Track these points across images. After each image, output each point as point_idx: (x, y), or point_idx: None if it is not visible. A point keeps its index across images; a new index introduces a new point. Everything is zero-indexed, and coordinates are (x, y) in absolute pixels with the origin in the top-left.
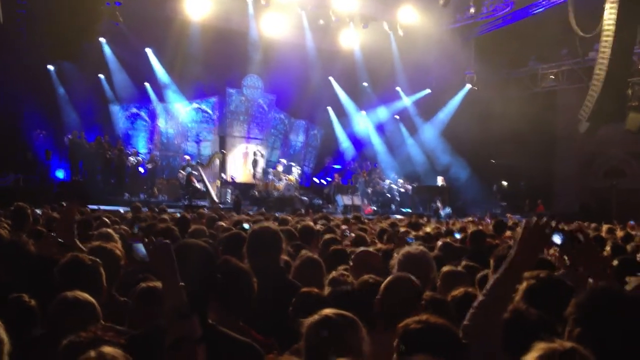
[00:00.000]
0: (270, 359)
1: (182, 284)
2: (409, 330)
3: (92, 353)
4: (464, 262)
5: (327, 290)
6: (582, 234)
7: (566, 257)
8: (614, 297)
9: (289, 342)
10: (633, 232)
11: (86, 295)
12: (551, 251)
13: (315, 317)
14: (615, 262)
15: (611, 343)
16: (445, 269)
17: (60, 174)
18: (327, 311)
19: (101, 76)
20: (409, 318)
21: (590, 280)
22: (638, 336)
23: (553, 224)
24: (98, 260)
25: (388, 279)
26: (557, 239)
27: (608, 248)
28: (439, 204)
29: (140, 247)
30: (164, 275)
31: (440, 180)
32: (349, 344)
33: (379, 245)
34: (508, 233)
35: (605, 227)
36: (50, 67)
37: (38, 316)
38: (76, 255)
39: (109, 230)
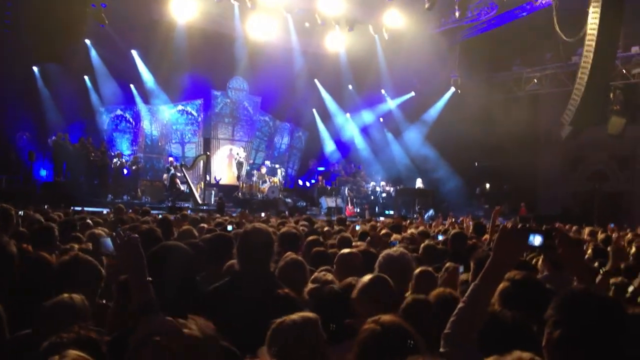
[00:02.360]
0: None
1: (150, 279)
2: (367, 332)
3: (55, 358)
4: (448, 264)
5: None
6: (560, 233)
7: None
8: (593, 299)
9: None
10: (613, 235)
11: (78, 298)
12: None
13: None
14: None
15: (592, 345)
16: (416, 270)
17: (43, 174)
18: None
19: (86, 78)
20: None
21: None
22: (617, 338)
23: (529, 226)
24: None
25: (364, 280)
26: (536, 241)
27: (589, 251)
28: (418, 207)
29: (108, 242)
30: (131, 270)
31: (419, 183)
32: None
33: (362, 246)
34: (487, 236)
35: (586, 229)
36: (35, 69)
37: (4, 320)
38: (76, 255)
39: (100, 231)
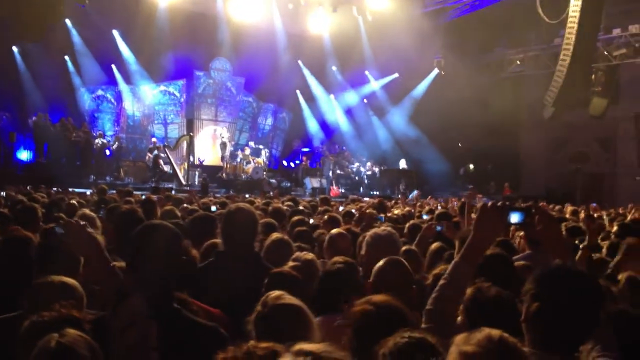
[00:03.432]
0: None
1: (114, 264)
2: (361, 312)
3: (54, 336)
4: (435, 244)
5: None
6: (540, 210)
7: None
8: (570, 273)
9: None
10: (595, 214)
11: (67, 279)
12: (521, 233)
13: (257, 309)
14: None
15: (568, 317)
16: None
17: (24, 155)
18: (269, 296)
19: (67, 58)
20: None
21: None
22: (595, 310)
23: (508, 203)
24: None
25: (381, 262)
26: (515, 218)
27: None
28: (402, 187)
29: (58, 229)
30: (90, 257)
31: (402, 163)
32: (287, 332)
33: (348, 226)
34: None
35: (569, 209)
36: (15, 49)
37: None
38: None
39: (90, 212)
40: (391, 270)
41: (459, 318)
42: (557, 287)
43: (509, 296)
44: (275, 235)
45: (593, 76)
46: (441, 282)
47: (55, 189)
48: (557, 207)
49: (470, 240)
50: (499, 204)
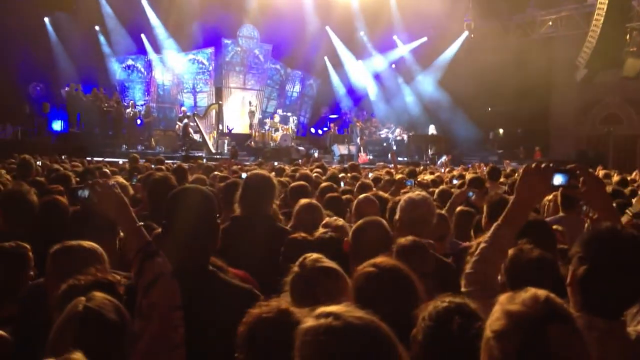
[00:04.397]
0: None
1: (141, 224)
2: (363, 275)
3: (81, 299)
4: (459, 208)
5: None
6: (584, 171)
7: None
8: (620, 235)
9: (277, 285)
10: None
11: (88, 242)
12: (550, 197)
13: (294, 270)
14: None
15: (616, 281)
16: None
17: (57, 126)
18: (307, 259)
19: (97, 28)
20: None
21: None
22: None
23: (552, 164)
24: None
25: (358, 222)
26: (558, 180)
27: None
28: (431, 153)
29: (85, 192)
30: (117, 218)
31: (432, 129)
32: (323, 292)
33: (378, 192)
34: (502, 179)
35: (601, 172)
36: (46, 20)
37: (31, 262)
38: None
39: (123, 180)
40: (369, 231)
41: (499, 278)
42: (605, 249)
43: (550, 258)
44: (303, 201)
45: (628, 36)
46: (482, 244)
47: (88, 158)
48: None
49: (512, 202)
50: (543, 165)
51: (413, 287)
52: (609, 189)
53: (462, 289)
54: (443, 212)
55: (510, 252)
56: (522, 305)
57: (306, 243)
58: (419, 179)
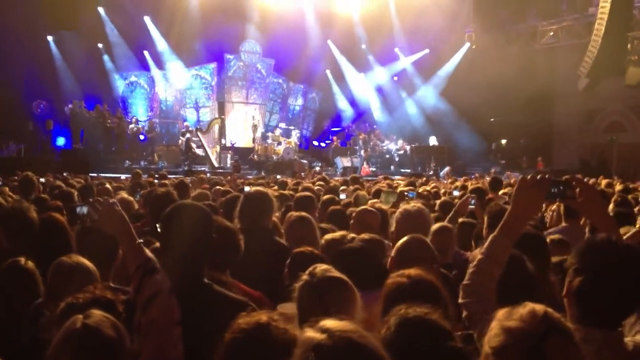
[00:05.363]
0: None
1: (141, 240)
2: (396, 284)
3: (79, 317)
4: (460, 220)
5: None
6: (581, 182)
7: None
8: (614, 246)
9: (276, 298)
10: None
11: (83, 260)
12: (553, 207)
13: (303, 278)
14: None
15: (612, 292)
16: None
17: (60, 142)
18: (317, 268)
19: (100, 45)
20: None
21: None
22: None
23: (548, 175)
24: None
25: (403, 239)
26: (555, 191)
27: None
28: (433, 164)
29: (82, 208)
30: (117, 235)
31: (432, 140)
32: (332, 301)
33: (377, 204)
34: (506, 190)
35: (603, 182)
36: (50, 38)
37: (38, 279)
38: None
39: (127, 196)
40: (415, 247)
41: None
42: (601, 260)
43: (519, 254)
44: (293, 215)
45: (629, 45)
46: (479, 256)
47: (92, 174)
48: (592, 181)
49: (508, 213)
50: (539, 176)
51: (442, 300)
52: (613, 198)
53: (460, 300)
54: (445, 223)
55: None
56: (520, 321)
57: (313, 257)
58: (419, 190)
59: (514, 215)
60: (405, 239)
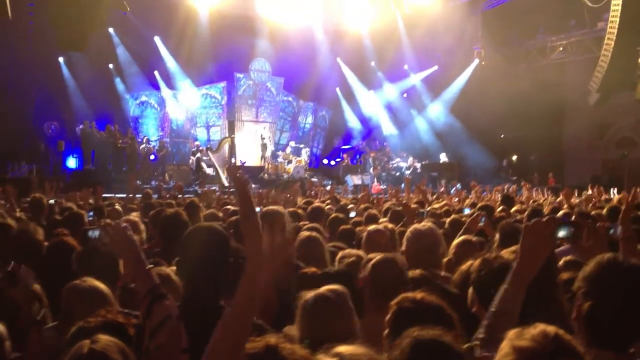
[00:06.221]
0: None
1: (151, 265)
2: (402, 308)
3: (86, 342)
4: (473, 238)
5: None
6: (589, 227)
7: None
8: (621, 267)
9: (287, 320)
10: None
11: (97, 283)
12: None
13: (305, 297)
14: None
15: (622, 315)
16: (456, 240)
17: (72, 163)
18: (318, 292)
19: (111, 66)
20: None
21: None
22: None
23: (556, 218)
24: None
25: (374, 260)
26: (562, 233)
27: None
28: (444, 181)
29: (94, 232)
30: (126, 259)
31: (443, 157)
32: (332, 325)
33: (388, 224)
34: (517, 207)
35: (616, 197)
36: (61, 59)
37: (43, 301)
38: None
39: (134, 217)
40: (385, 267)
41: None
42: (609, 283)
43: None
44: (303, 234)
45: (639, 59)
46: (492, 309)
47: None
48: (604, 197)
49: (518, 262)
50: (545, 219)
51: (446, 322)
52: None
53: (477, 353)
54: (469, 236)
55: (476, 262)
56: (531, 341)
57: (317, 277)
58: (429, 209)
59: (523, 264)
60: (377, 258)
